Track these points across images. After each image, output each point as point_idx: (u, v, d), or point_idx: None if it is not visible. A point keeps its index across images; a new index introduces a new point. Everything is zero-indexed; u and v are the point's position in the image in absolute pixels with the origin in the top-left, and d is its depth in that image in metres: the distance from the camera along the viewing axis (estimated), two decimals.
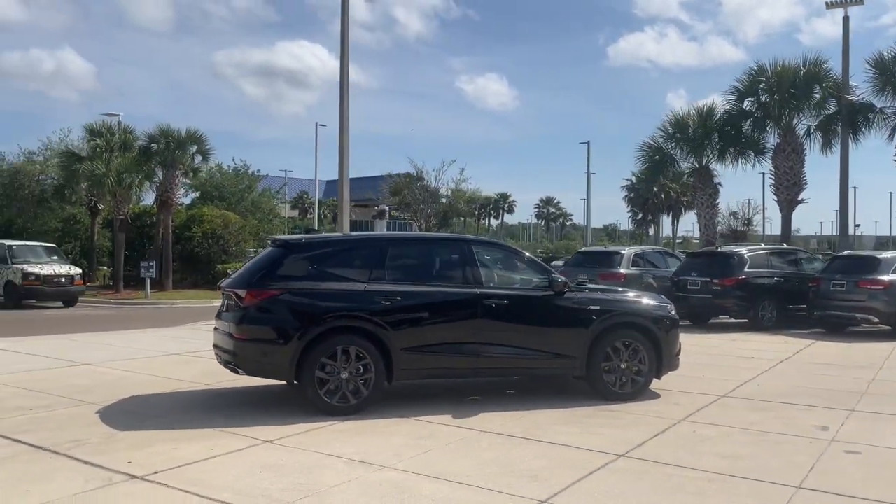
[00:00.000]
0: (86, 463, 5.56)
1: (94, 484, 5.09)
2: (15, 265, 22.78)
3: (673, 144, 24.10)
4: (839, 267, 15.77)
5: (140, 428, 6.68)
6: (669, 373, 8.94)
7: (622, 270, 17.24)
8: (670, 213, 64.52)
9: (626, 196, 58.74)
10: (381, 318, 7.30)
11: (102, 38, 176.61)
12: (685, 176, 28.56)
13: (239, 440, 6.26)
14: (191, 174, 30.49)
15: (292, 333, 7.09)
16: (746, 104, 23.36)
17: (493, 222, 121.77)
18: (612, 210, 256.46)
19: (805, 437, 6.60)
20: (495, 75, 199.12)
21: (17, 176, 36.61)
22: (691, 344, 13.52)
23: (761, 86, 22.64)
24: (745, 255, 16.41)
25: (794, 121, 22.61)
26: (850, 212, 24.39)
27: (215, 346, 7.72)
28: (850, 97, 22.33)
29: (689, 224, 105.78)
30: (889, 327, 14.82)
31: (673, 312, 8.59)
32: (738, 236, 66.13)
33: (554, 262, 25.71)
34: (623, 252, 18.12)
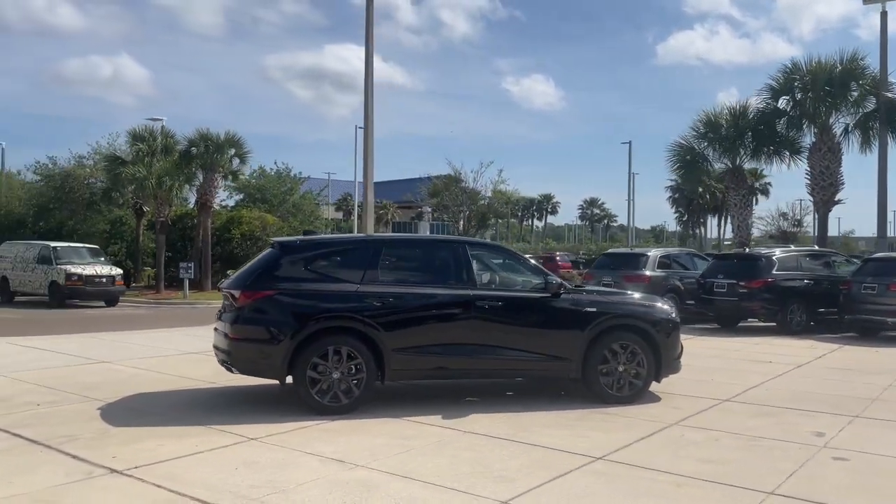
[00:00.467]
0: (73, 457, 5.77)
1: (74, 477, 5.28)
2: (59, 266, 23.51)
3: (705, 144, 23.67)
4: (871, 269, 15.32)
5: (135, 424, 6.89)
6: (676, 376, 8.87)
7: (647, 273, 17.02)
8: (716, 214, 63.36)
9: (669, 197, 57.90)
10: (372, 318, 7.38)
11: (157, 45, 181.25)
12: (709, 177, 27.98)
13: (226, 437, 6.41)
14: (230, 177, 31.05)
15: (284, 333, 7.22)
16: (781, 103, 22.83)
17: (537, 224, 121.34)
18: (659, 211, 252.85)
19: (797, 443, 6.47)
20: (541, 76, 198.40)
21: (67, 180, 37.86)
22: (711, 347, 13.38)
23: (796, 83, 22.09)
24: (773, 257, 16.06)
25: (831, 119, 22.02)
26: (889, 212, 23.58)
27: (214, 346, 7.91)
28: (889, 94, 21.65)
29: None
30: None
31: (674, 315, 8.49)
32: (789, 238, 64.62)
33: None
34: (649, 254, 17.89)
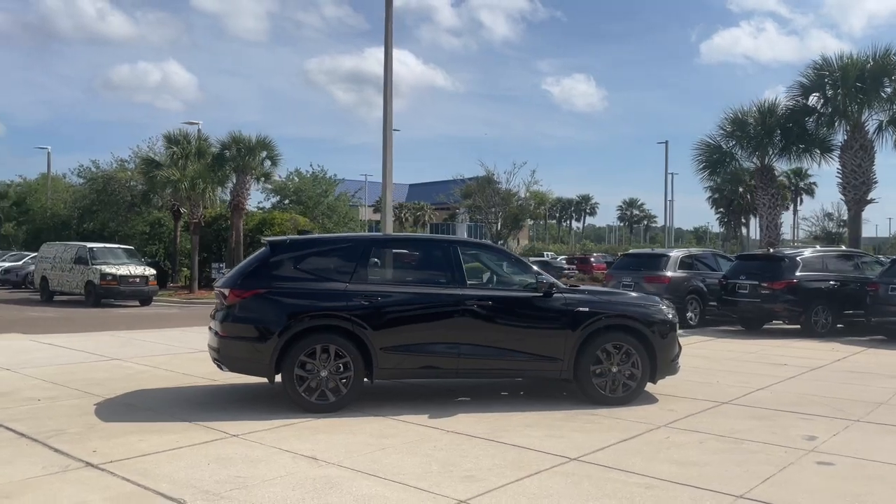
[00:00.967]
0: (55, 450, 5.91)
1: (50, 470, 5.41)
2: (94, 266, 24.11)
3: (733, 143, 23.18)
4: None
5: (124, 420, 7.02)
6: (681, 377, 8.78)
7: (668, 273, 16.73)
8: (757, 215, 61.86)
9: (709, 198, 56.82)
10: (360, 317, 7.41)
11: (203, 50, 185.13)
12: (748, 177, 27.11)
13: (209, 433, 6.51)
14: (262, 179, 31.48)
15: (272, 331, 7.29)
16: (812, 100, 22.22)
17: (576, 225, 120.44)
18: (702, 212, 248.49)
19: (784, 447, 6.31)
20: (582, 76, 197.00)
21: (109, 183, 38.91)
22: (727, 349, 13.12)
23: (826, 80, 21.48)
24: (797, 258, 15.66)
25: (863, 116, 21.36)
26: None
27: (208, 344, 8.02)
28: None
29: (783, 225, 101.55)
30: None
31: (671, 316, 8.34)
32: (833, 239, 62.98)
33: None
34: (670, 254, 17.58)
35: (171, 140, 29.93)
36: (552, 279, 8.12)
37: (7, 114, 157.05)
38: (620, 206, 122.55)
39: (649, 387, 8.43)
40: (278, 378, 7.46)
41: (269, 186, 39.19)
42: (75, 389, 8.45)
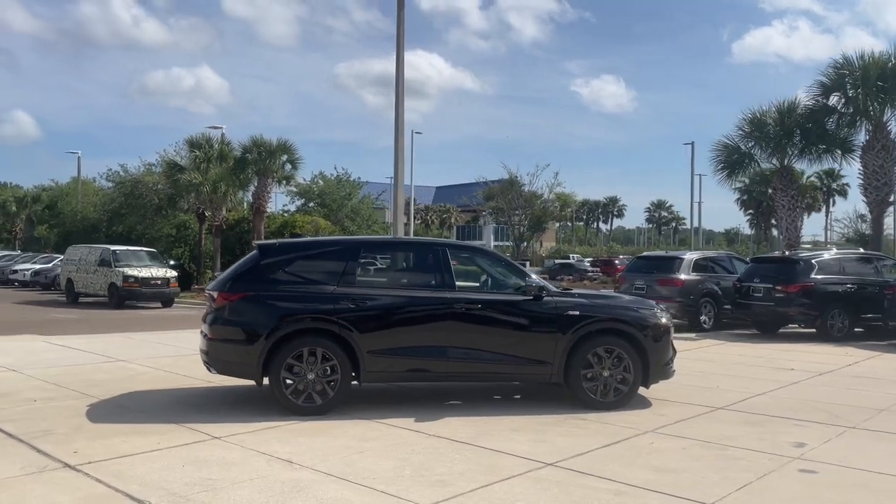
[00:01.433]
0: (37, 451, 6.00)
1: (27, 470, 5.49)
2: (117, 268, 24.50)
3: (751, 143, 22.82)
4: None
5: (113, 421, 7.10)
6: (680, 381, 8.69)
7: (681, 276, 16.52)
8: (778, 216, 60.90)
9: (737, 199, 56.12)
10: (347, 320, 7.42)
11: (235, 56, 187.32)
12: (771, 176, 26.56)
13: (191, 435, 6.56)
14: (283, 182, 31.78)
15: (259, 334, 7.33)
16: (832, 99, 21.78)
17: (603, 226, 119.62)
18: (732, 214, 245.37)
19: (770, 454, 6.19)
20: (612, 77, 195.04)
21: (137, 186, 39.56)
22: (738, 353, 12.92)
23: (847, 79, 21.06)
24: (813, 261, 15.35)
25: (885, 116, 20.90)
26: None
27: (199, 348, 8.08)
28: None
29: (815, 227, 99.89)
30: None
31: (664, 320, 8.23)
32: (866, 240, 61.74)
33: None
34: (683, 257, 17.33)
35: (193, 144, 30.38)
36: (542, 282, 8.07)
37: (44, 119, 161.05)
38: (649, 208, 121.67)
39: (645, 391, 8.35)
40: (266, 381, 7.51)
41: (293, 189, 39.62)
42: (73, 391, 8.58)
